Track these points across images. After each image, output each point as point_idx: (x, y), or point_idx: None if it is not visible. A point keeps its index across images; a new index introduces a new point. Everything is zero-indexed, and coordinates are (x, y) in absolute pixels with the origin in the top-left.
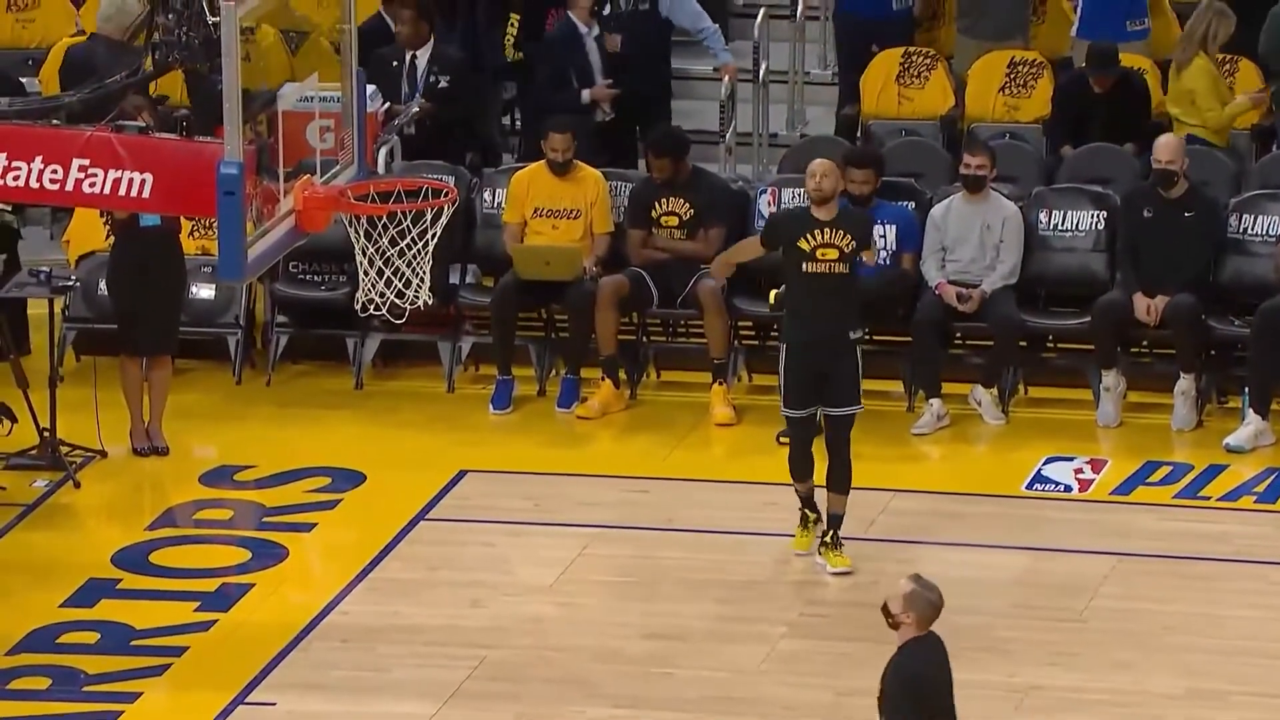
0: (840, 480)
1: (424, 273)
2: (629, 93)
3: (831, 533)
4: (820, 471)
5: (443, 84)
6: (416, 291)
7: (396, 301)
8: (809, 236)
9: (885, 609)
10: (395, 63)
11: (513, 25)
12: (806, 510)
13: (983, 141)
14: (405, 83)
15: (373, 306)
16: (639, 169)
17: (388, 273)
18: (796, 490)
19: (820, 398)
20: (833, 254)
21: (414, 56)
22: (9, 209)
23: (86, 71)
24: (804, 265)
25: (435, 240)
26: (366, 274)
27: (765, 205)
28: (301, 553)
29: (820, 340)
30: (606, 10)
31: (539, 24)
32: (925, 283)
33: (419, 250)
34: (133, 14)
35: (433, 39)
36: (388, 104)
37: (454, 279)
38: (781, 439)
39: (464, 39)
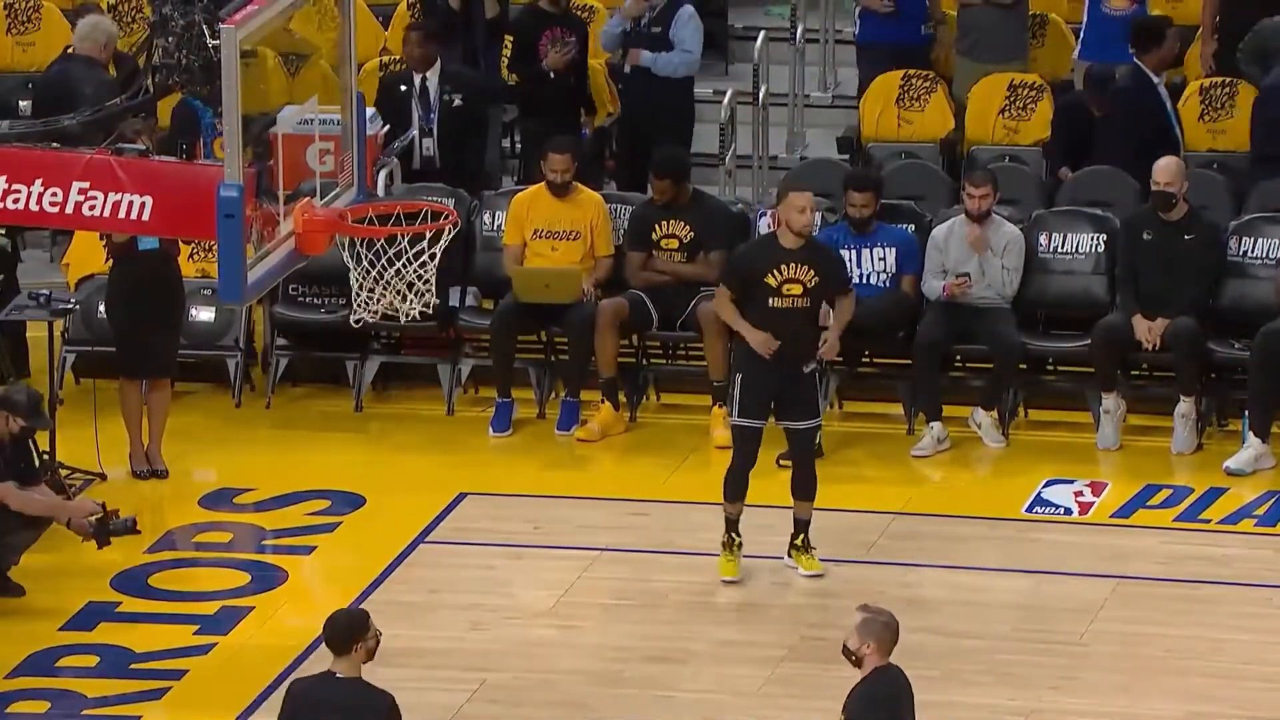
0: (805, 488)
1: (428, 280)
2: (639, 114)
3: (801, 536)
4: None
5: (457, 103)
6: (416, 297)
7: (397, 304)
8: (775, 271)
9: (845, 649)
10: (404, 87)
11: (507, 47)
12: (732, 534)
13: (985, 171)
14: (417, 106)
15: (368, 315)
16: (648, 192)
17: (386, 281)
18: (725, 511)
19: (776, 414)
20: (797, 289)
21: (424, 79)
22: (3, 232)
23: (63, 91)
24: (769, 300)
25: (435, 258)
26: (361, 284)
27: (765, 227)
28: (301, 576)
29: (776, 371)
30: (627, 28)
31: (532, 45)
32: (926, 304)
33: (418, 264)
34: (108, 33)
35: (439, 60)
36: (387, 126)
37: (454, 301)
38: (781, 461)
39: (464, 63)
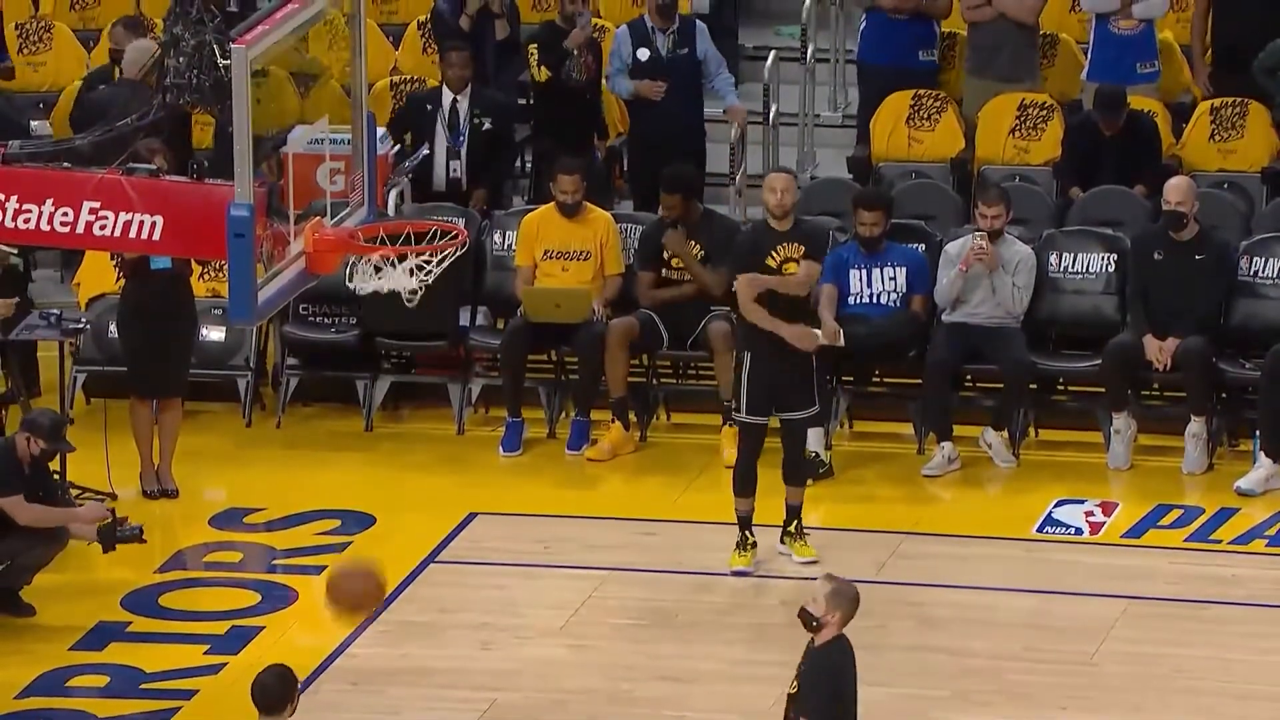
0: (796, 474)
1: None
2: (665, 134)
3: (795, 522)
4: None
5: (487, 126)
6: (422, 276)
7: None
8: (774, 253)
9: (805, 614)
10: (430, 106)
11: (531, 54)
12: (746, 533)
13: (998, 190)
14: (443, 127)
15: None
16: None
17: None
18: (736, 509)
19: (777, 405)
20: (793, 268)
21: (454, 101)
22: (14, 251)
23: (108, 113)
24: None
25: (441, 265)
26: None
27: None
28: (311, 595)
29: (781, 351)
30: (645, 56)
31: (557, 43)
32: (936, 324)
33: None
34: (147, 53)
35: (471, 82)
36: (398, 146)
37: (464, 321)
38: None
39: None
